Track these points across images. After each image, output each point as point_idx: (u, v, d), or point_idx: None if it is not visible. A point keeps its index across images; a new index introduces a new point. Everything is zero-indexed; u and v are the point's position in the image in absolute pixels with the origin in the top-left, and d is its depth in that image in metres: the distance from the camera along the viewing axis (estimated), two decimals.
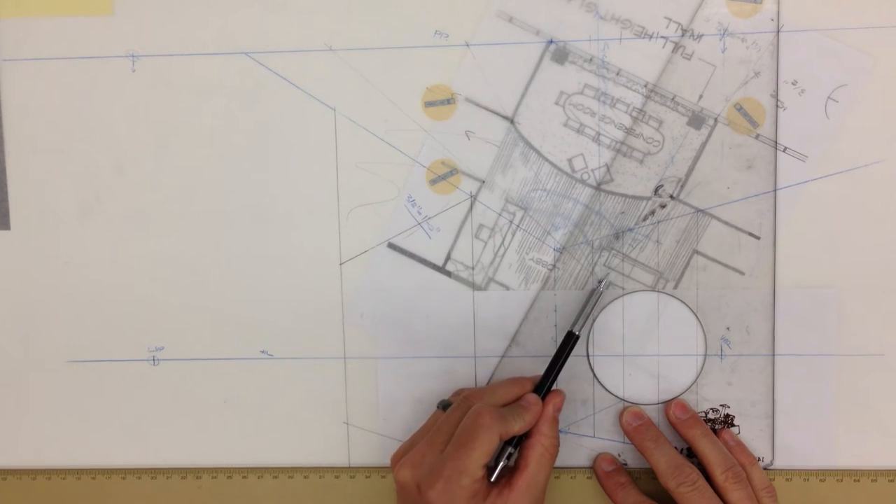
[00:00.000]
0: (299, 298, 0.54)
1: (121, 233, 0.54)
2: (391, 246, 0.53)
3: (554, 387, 0.50)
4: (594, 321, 0.52)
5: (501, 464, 0.48)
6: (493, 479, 0.47)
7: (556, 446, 0.49)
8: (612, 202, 0.52)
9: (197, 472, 0.55)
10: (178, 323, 0.55)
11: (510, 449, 0.48)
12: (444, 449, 0.46)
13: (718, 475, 0.49)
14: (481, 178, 0.53)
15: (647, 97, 0.51)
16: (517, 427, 0.47)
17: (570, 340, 0.50)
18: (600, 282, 0.52)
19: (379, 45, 0.52)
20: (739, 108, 0.51)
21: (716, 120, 0.51)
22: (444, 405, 0.49)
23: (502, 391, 0.49)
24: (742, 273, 0.52)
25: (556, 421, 0.49)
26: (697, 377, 0.52)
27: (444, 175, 0.53)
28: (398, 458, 0.48)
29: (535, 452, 0.48)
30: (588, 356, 0.53)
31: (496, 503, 0.46)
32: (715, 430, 0.52)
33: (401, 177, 0.53)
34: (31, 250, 0.55)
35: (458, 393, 0.51)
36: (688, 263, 0.52)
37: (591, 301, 0.51)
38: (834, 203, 0.51)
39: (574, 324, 0.51)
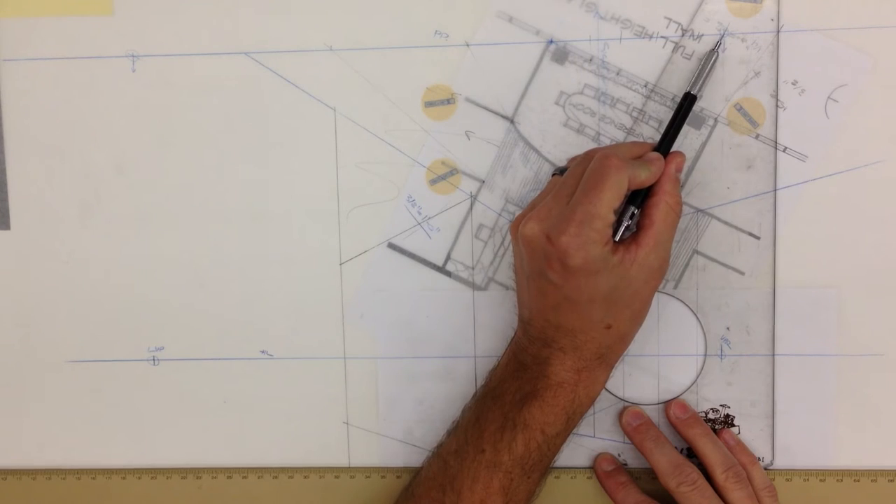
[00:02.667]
0: (299, 298, 0.54)
1: (121, 233, 0.54)
2: (391, 246, 0.53)
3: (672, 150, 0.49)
4: None
5: (626, 223, 0.46)
6: (616, 238, 0.46)
7: (680, 205, 0.47)
8: None
9: (197, 472, 0.55)
10: (178, 323, 0.55)
11: (633, 209, 0.46)
12: (571, 201, 0.44)
13: (719, 475, 0.49)
14: (481, 178, 0.53)
15: (647, 97, 0.51)
16: (644, 176, 0.46)
17: (687, 101, 0.49)
18: (718, 44, 0.50)
19: (379, 45, 0.52)
20: (739, 108, 0.51)
21: (716, 120, 0.51)
22: (561, 171, 0.48)
23: (624, 148, 0.48)
24: (742, 273, 0.52)
25: (678, 181, 0.48)
26: (697, 377, 0.52)
27: (444, 175, 0.53)
28: (519, 221, 0.47)
29: (661, 211, 0.46)
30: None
31: (624, 258, 0.45)
32: (715, 430, 0.52)
33: (401, 177, 0.53)
34: (31, 250, 0.55)
35: (573, 158, 0.49)
36: (688, 263, 0.52)
37: (708, 63, 0.49)
38: (834, 203, 0.51)
39: (693, 85, 0.49)
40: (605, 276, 0.44)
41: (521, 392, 0.47)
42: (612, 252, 0.44)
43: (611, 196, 0.44)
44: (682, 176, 0.51)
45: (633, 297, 0.46)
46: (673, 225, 0.47)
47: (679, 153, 0.48)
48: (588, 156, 0.46)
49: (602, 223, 0.44)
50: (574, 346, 0.46)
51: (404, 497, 0.50)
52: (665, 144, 0.48)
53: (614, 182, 0.44)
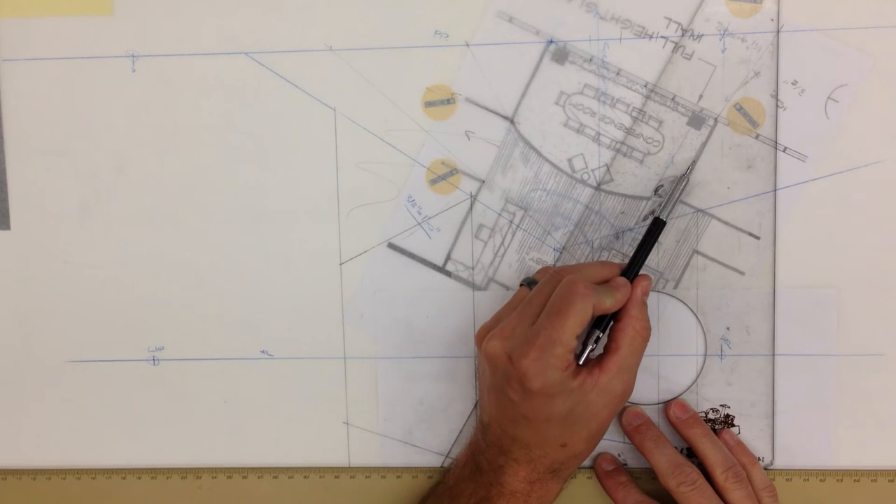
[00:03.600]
0: (299, 298, 0.54)
1: (121, 233, 0.54)
2: (391, 246, 0.53)
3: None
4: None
5: (590, 347, 0.47)
6: (580, 363, 0.46)
7: (648, 330, 0.47)
8: (612, 202, 0.52)
9: (197, 472, 0.55)
10: (178, 323, 0.55)
11: (598, 333, 0.47)
12: (535, 322, 0.45)
13: (719, 475, 0.49)
14: (481, 178, 0.53)
15: (647, 97, 0.51)
16: (608, 303, 0.46)
17: (657, 227, 0.49)
18: (689, 169, 0.50)
19: (379, 45, 0.52)
20: (739, 108, 0.51)
21: (716, 120, 0.51)
22: (529, 282, 0.49)
23: (592, 270, 0.48)
24: (742, 273, 0.52)
25: (644, 305, 0.48)
26: (697, 377, 0.52)
27: (444, 175, 0.53)
28: (483, 333, 0.47)
29: (627, 335, 0.46)
30: None
31: (585, 382, 0.45)
32: (715, 430, 0.52)
33: (401, 177, 0.53)
34: (31, 250, 0.55)
35: (544, 270, 0.50)
36: (688, 263, 0.52)
37: (678, 188, 0.50)
38: (834, 203, 0.51)
39: (662, 210, 0.49)
40: (563, 399, 0.45)
41: (475, 496, 0.47)
42: (572, 376, 0.45)
43: (574, 323, 0.44)
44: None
45: (591, 419, 0.46)
46: (639, 350, 0.47)
47: (646, 276, 0.48)
48: (558, 274, 0.47)
49: (563, 349, 0.44)
50: (529, 458, 0.47)
51: None
52: (632, 269, 0.48)
53: (579, 309, 0.44)
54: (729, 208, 0.51)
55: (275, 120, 0.53)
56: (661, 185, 0.51)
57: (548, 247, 0.53)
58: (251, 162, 0.53)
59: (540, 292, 0.46)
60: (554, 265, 0.52)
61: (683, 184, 0.50)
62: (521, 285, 0.49)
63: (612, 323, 0.47)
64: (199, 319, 0.54)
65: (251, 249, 0.54)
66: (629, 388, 0.47)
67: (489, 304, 0.53)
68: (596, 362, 0.46)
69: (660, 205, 0.50)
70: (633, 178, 0.52)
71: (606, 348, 0.47)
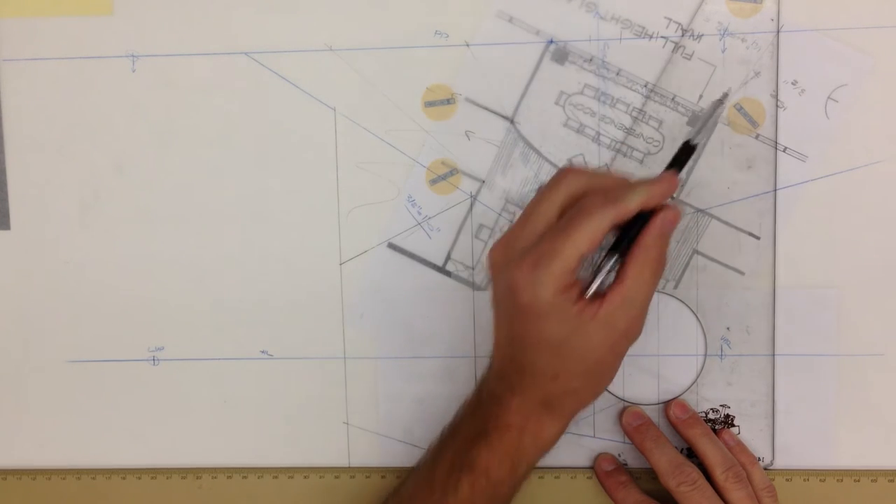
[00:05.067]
0: (299, 298, 0.54)
1: (121, 233, 0.54)
2: (391, 246, 0.53)
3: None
4: None
5: (599, 278, 0.42)
6: (590, 291, 0.42)
7: (662, 263, 0.42)
8: None
9: (197, 472, 0.55)
10: (178, 323, 0.55)
11: (609, 263, 0.42)
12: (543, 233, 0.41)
13: (719, 475, 0.49)
14: (481, 178, 0.53)
15: (647, 97, 0.51)
16: (633, 203, 0.40)
17: (686, 152, 0.44)
18: (725, 94, 0.48)
19: (379, 45, 0.52)
20: (739, 108, 0.51)
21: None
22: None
23: (619, 182, 0.43)
24: (742, 273, 0.52)
25: (664, 237, 0.42)
26: (697, 377, 0.52)
27: (444, 175, 0.53)
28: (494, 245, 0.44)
29: (636, 265, 0.41)
30: None
31: (585, 310, 0.41)
32: (715, 430, 0.52)
33: (401, 177, 0.53)
34: (31, 250, 0.55)
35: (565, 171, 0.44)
36: (688, 263, 0.52)
37: (715, 113, 0.47)
38: (834, 203, 0.51)
39: (695, 135, 0.45)
40: (556, 323, 0.41)
41: (473, 430, 0.45)
42: (570, 301, 0.41)
43: (581, 238, 0.40)
44: (683, 175, 0.51)
45: (588, 353, 0.42)
46: (649, 283, 0.42)
47: (672, 207, 0.42)
48: (573, 178, 0.43)
49: (561, 266, 0.40)
50: (521, 386, 0.44)
51: None
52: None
53: (590, 226, 0.40)
54: (729, 208, 0.51)
55: (275, 120, 0.53)
56: None
57: None
58: (251, 162, 0.53)
59: (551, 201, 0.42)
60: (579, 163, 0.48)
61: (720, 109, 0.47)
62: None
63: (623, 255, 0.43)
64: (199, 319, 0.54)
65: (251, 249, 0.54)
66: (634, 326, 0.42)
67: (489, 304, 0.53)
68: (601, 293, 0.42)
69: (696, 131, 0.45)
70: (632, 178, 0.52)
71: (615, 279, 0.42)
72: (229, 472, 0.55)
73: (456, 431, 0.46)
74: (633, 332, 0.43)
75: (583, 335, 0.41)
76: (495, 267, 0.43)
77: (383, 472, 0.54)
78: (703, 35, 0.50)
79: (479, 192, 0.53)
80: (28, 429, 0.56)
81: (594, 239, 0.40)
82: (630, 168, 0.51)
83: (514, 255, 0.42)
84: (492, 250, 0.44)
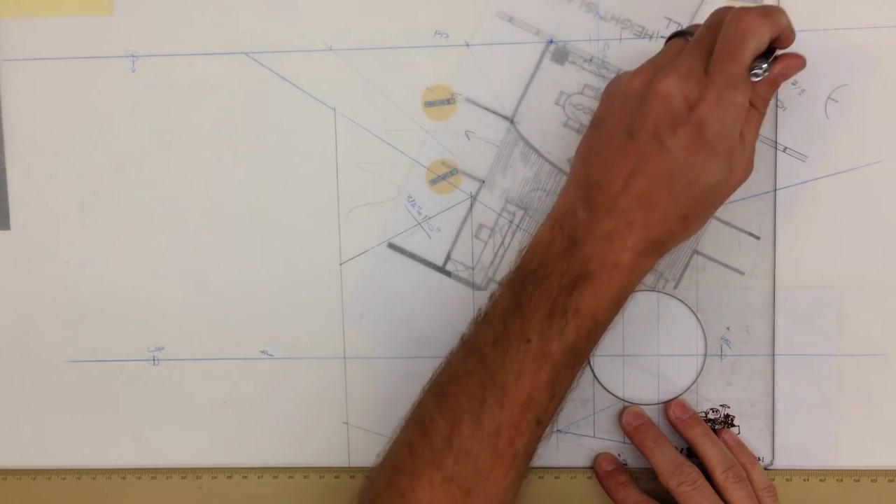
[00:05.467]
0: (299, 298, 0.54)
1: (121, 233, 0.54)
2: (391, 246, 0.53)
3: None
4: None
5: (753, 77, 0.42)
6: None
7: (763, 112, 0.43)
8: None
9: (197, 472, 0.55)
10: (178, 323, 0.55)
11: (763, 63, 0.42)
12: (709, 66, 0.41)
13: (719, 475, 0.49)
14: (481, 178, 0.53)
15: None
16: (784, 21, 0.41)
17: None
18: None
19: (379, 45, 0.52)
20: None
21: None
22: (683, 33, 0.45)
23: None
24: (742, 273, 0.52)
25: (775, 85, 0.43)
26: (697, 377, 0.52)
27: (444, 175, 0.53)
28: (631, 76, 0.43)
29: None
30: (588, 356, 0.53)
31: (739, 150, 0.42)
32: (715, 430, 0.52)
33: (401, 177, 0.53)
34: (31, 250, 0.55)
35: (694, 26, 0.45)
36: (688, 263, 0.52)
37: None
38: (834, 203, 0.51)
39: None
40: (723, 161, 0.41)
41: (570, 274, 0.42)
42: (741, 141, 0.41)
43: (747, 62, 0.40)
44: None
45: (723, 194, 0.43)
46: (752, 128, 0.43)
47: (792, 57, 0.43)
48: (722, 12, 0.42)
49: (743, 97, 0.40)
50: (645, 223, 0.42)
51: (433, 395, 0.45)
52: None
53: (752, 46, 0.40)
54: (729, 208, 0.51)
55: (275, 120, 0.53)
56: None
57: None
58: (251, 162, 0.53)
59: (709, 31, 0.42)
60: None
61: None
62: (672, 37, 0.45)
63: (774, 54, 0.42)
64: (199, 319, 0.54)
65: (251, 249, 0.54)
66: (747, 172, 0.44)
67: None
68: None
69: None
70: None
71: None
72: (229, 472, 0.55)
73: (543, 277, 0.43)
74: (744, 175, 0.44)
75: (731, 174, 0.42)
76: (669, 97, 0.41)
77: None
78: None
79: (479, 192, 0.53)
80: (28, 429, 0.56)
81: (756, 54, 0.41)
82: None
83: (694, 86, 0.41)
84: (660, 77, 0.41)
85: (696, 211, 0.43)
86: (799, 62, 0.43)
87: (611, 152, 0.43)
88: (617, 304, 0.44)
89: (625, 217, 0.42)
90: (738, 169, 0.43)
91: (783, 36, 0.42)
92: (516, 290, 0.44)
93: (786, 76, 0.43)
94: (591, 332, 0.43)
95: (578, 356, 0.44)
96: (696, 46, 0.42)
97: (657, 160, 0.41)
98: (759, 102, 0.43)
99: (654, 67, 0.43)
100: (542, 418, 0.44)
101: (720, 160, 0.41)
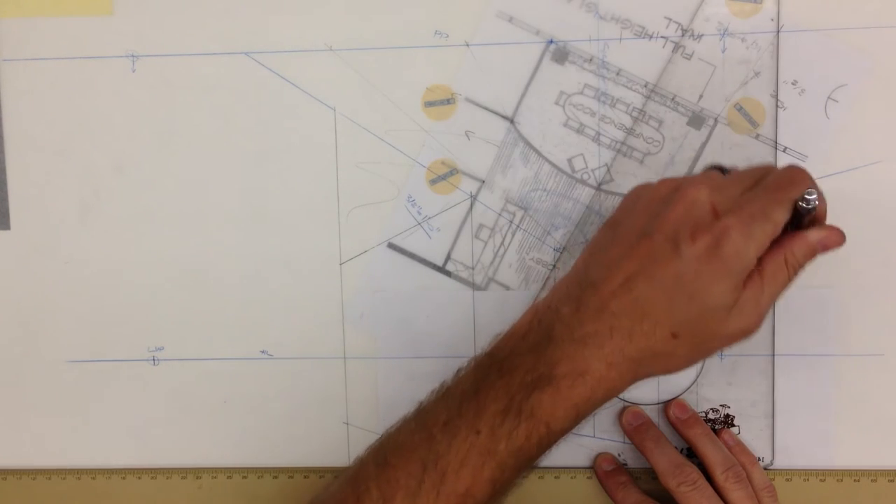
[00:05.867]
0: (299, 298, 0.54)
1: (121, 233, 0.54)
2: (391, 246, 0.53)
3: None
4: None
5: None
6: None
7: (790, 276, 0.41)
8: (613, 202, 0.52)
9: (197, 472, 0.55)
10: (178, 323, 0.55)
11: (814, 194, 0.40)
12: (749, 193, 0.40)
13: (719, 475, 0.49)
14: (481, 178, 0.53)
15: (647, 97, 0.51)
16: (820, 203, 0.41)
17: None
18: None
19: (379, 45, 0.52)
20: (739, 108, 0.51)
21: (716, 120, 0.51)
22: (720, 167, 0.44)
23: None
24: None
25: (811, 252, 0.41)
26: (697, 377, 0.52)
27: (444, 175, 0.53)
28: (655, 186, 0.41)
29: (772, 263, 0.40)
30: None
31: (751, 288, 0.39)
32: (715, 430, 0.52)
33: (401, 177, 0.53)
34: (31, 250, 0.55)
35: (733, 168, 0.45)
36: None
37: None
38: (834, 203, 0.51)
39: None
40: (733, 286, 0.39)
41: (534, 372, 0.40)
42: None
43: (790, 207, 0.39)
44: (683, 175, 0.51)
45: (720, 331, 0.40)
46: (774, 285, 0.40)
47: (834, 229, 0.41)
48: (764, 168, 0.42)
49: (773, 229, 0.39)
50: (629, 332, 0.39)
51: (375, 461, 0.43)
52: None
53: (796, 196, 0.39)
54: None
55: (275, 120, 0.53)
56: None
57: (548, 247, 0.53)
58: (251, 162, 0.53)
59: (753, 173, 0.41)
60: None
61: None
62: (710, 168, 0.44)
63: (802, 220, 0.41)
64: (199, 319, 0.54)
65: (251, 249, 0.54)
66: (750, 327, 0.40)
67: (489, 304, 0.53)
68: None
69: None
70: (633, 178, 0.52)
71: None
72: (229, 472, 0.55)
73: (509, 370, 0.41)
74: (747, 328, 0.41)
75: (739, 310, 0.39)
76: (696, 202, 0.39)
77: None
78: (703, 35, 0.50)
79: (479, 192, 0.53)
80: (28, 429, 0.56)
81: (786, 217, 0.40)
82: (630, 168, 0.51)
83: (726, 200, 0.39)
84: (690, 183, 0.40)
85: (686, 333, 0.40)
86: (841, 239, 0.41)
87: (619, 251, 0.41)
88: (575, 417, 0.40)
89: (610, 322, 0.40)
90: (744, 313, 0.40)
91: (819, 213, 0.41)
92: (480, 376, 0.42)
93: (826, 248, 0.41)
94: (542, 440, 0.40)
95: (526, 460, 0.41)
96: (735, 175, 0.41)
97: (666, 264, 0.39)
98: (793, 262, 0.41)
99: (682, 179, 0.42)
100: None
101: (729, 281, 0.39)
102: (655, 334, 0.39)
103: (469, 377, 0.42)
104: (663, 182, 0.42)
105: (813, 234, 0.41)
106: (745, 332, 0.40)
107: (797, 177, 0.40)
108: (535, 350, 0.41)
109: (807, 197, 0.40)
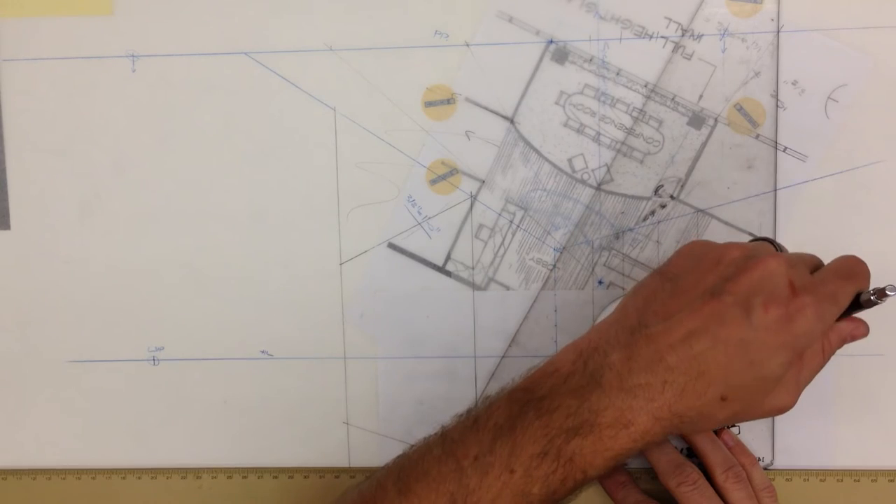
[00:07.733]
0: (299, 298, 0.54)
1: (121, 233, 0.54)
2: (391, 246, 0.53)
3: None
4: (594, 321, 0.52)
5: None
6: None
7: (831, 353, 0.43)
8: (613, 202, 0.52)
9: (197, 472, 0.55)
10: (178, 323, 0.55)
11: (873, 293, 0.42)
12: (817, 274, 0.42)
13: (719, 475, 0.49)
14: (481, 178, 0.53)
15: (647, 97, 0.51)
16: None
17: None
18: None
19: (379, 45, 0.52)
20: (739, 108, 0.51)
21: (716, 120, 0.51)
22: (768, 240, 0.45)
23: None
24: None
25: (843, 340, 0.43)
26: None
27: (444, 175, 0.53)
28: (741, 246, 0.42)
29: (812, 348, 0.42)
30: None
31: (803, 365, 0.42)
32: (715, 431, 0.52)
33: (401, 177, 0.53)
34: (31, 250, 0.55)
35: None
36: None
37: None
38: (834, 203, 0.51)
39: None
40: (787, 362, 0.40)
41: (577, 418, 0.39)
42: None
43: (853, 296, 0.42)
44: (682, 175, 0.51)
45: (764, 403, 0.41)
46: (813, 368, 0.42)
47: (861, 322, 0.44)
48: (813, 256, 0.44)
49: (838, 314, 0.41)
50: (682, 389, 0.39)
51: (395, 486, 0.42)
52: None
53: (861, 287, 0.42)
54: (729, 208, 0.51)
55: (275, 120, 0.53)
56: (662, 185, 0.51)
57: (548, 247, 0.53)
58: (251, 162, 0.53)
59: (807, 256, 0.43)
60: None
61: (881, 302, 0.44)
62: (759, 239, 0.45)
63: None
64: (199, 319, 0.54)
65: (251, 249, 0.54)
66: (788, 404, 0.42)
67: (489, 304, 0.53)
68: None
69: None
70: (633, 178, 0.52)
71: None
72: (229, 472, 0.55)
73: (547, 410, 0.39)
74: (784, 405, 0.42)
75: (784, 386, 0.41)
76: (773, 275, 0.40)
77: None
78: (703, 35, 0.50)
79: (479, 192, 0.53)
80: (28, 429, 0.56)
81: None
82: (630, 168, 0.51)
83: (801, 276, 0.41)
84: (770, 255, 0.41)
85: (735, 398, 0.40)
86: (867, 332, 0.44)
87: (680, 303, 0.40)
88: (613, 466, 0.40)
89: (664, 375, 0.39)
90: (786, 390, 0.41)
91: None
92: (515, 412, 0.40)
93: (854, 339, 0.44)
94: (576, 485, 0.40)
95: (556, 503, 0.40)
96: (796, 255, 0.43)
97: (733, 327, 0.39)
98: (828, 350, 0.43)
99: (751, 247, 0.42)
100: None
101: (789, 355, 0.40)
102: (707, 394, 0.39)
103: (502, 411, 0.41)
104: (732, 245, 0.42)
105: (845, 327, 0.43)
106: (781, 409, 0.42)
107: (858, 268, 0.43)
108: (578, 393, 0.39)
109: (872, 298, 0.42)
